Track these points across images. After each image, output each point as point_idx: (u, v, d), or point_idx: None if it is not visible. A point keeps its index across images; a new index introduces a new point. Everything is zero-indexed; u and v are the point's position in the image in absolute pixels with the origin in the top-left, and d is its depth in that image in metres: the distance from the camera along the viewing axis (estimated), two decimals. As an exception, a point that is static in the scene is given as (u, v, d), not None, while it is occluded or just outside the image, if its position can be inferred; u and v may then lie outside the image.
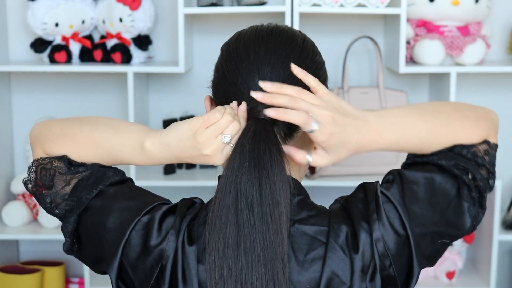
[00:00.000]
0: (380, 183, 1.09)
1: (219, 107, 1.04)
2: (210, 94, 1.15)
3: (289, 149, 1.05)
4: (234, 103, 1.06)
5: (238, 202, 0.99)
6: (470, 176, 1.07)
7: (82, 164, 1.10)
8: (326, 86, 1.12)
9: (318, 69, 1.11)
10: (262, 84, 1.02)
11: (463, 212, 1.08)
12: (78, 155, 1.10)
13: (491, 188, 1.09)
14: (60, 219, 1.10)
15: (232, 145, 1.03)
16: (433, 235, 1.07)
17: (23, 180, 1.12)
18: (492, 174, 1.10)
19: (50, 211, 1.10)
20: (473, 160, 1.08)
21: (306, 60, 1.09)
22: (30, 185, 1.11)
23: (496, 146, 1.12)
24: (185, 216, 1.05)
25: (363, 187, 1.09)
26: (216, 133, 1.02)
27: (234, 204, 1.00)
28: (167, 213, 1.06)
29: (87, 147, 1.09)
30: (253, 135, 1.02)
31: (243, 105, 1.06)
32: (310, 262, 1.02)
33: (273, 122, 1.04)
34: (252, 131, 1.02)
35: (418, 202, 1.06)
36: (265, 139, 1.02)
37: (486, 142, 1.11)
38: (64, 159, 1.09)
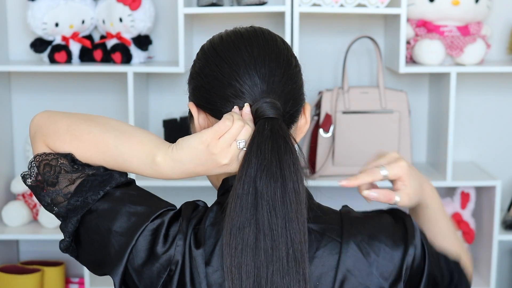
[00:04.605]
0: None
1: (226, 114, 1.03)
2: (189, 101, 1.13)
3: (379, 192, 1.12)
4: (236, 108, 1.06)
5: (258, 202, 0.99)
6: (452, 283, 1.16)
7: (87, 165, 1.07)
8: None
9: (296, 60, 1.13)
10: (342, 183, 1.10)
11: None
12: (84, 156, 1.07)
13: None
14: (58, 218, 1.07)
15: (245, 149, 1.03)
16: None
17: (21, 174, 1.09)
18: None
19: (49, 208, 1.07)
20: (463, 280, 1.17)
21: (291, 56, 1.11)
22: (29, 180, 1.08)
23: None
24: (191, 220, 1.04)
25: (392, 211, 1.13)
26: (231, 141, 1.02)
27: (253, 204, 0.99)
28: (174, 219, 1.05)
29: (94, 150, 1.06)
30: (270, 134, 1.02)
31: (247, 107, 1.05)
32: (319, 258, 1.03)
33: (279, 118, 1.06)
34: (269, 130, 1.02)
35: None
36: (284, 137, 1.02)
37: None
38: (69, 157, 1.06)
